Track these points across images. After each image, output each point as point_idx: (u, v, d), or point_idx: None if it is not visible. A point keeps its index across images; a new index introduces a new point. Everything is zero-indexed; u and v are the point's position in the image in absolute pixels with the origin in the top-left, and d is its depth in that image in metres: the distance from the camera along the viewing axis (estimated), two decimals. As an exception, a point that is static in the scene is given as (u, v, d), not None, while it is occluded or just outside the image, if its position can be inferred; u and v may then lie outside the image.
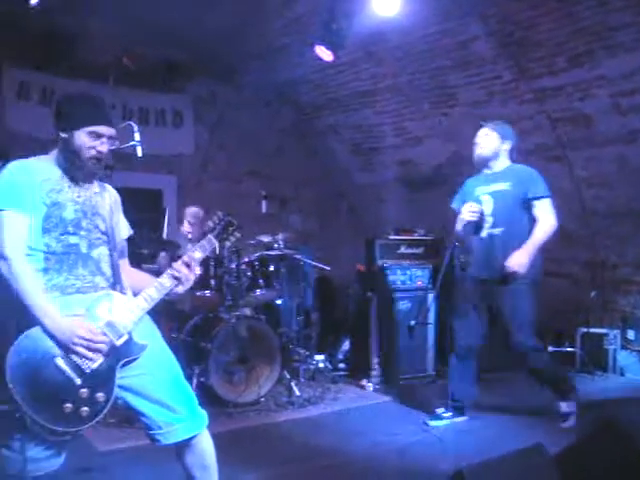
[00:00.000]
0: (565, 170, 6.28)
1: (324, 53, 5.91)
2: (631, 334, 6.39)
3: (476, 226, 4.55)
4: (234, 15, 6.11)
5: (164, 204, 7.56)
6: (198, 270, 2.75)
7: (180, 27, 6.19)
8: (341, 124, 8.11)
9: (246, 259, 5.54)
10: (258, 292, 5.57)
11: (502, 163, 4.58)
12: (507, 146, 4.57)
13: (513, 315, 4.42)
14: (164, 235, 5.94)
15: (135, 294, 2.68)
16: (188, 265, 2.68)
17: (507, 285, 4.38)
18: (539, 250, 4.41)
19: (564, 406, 4.55)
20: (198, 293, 5.32)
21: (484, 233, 4.53)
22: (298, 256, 5.82)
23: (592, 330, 6.38)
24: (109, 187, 2.83)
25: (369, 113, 7.59)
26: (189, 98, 7.64)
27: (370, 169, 8.39)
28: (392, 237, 6.45)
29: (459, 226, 4.62)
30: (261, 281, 5.55)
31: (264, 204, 5.74)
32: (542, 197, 4.43)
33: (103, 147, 2.60)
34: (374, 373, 5.89)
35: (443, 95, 6.65)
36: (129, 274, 2.86)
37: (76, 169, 2.62)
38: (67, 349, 2.39)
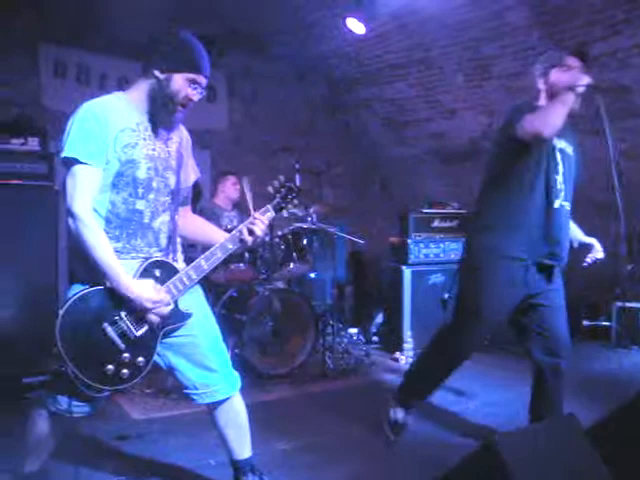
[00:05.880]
0: (602, 142, 6.16)
1: (356, 26, 5.88)
2: (668, 308, 6.29)
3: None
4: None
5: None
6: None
7: (214, 2, 6.19)
8: (374, 97, 8.04)
9: (279, 232, 5.53)
10: (292, 266, 5.56)
11: None
12: None
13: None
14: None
15: (192, 243, 2.73)
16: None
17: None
18: None
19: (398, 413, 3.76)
20: (232, 266, 5.34)
21: (556, 204, 3.46)
22: (331, 229, 5.83)
23: (628, 304, 6.31)
24: (182, 127, 2.76)
25: (402, 86, 7.52)
26: (223, 73, 7.63)
27: (403, 143, 8.33)
28: (426, 211, 6.46)
29: None
30: (294, 254, 5.55)
31: (297, 178, 5.73)
32: None
33: (195, 96, 2.55)
34: (407, 346, 5.91)
35: (477, 67, 6.56)
36: (189, 221, 2.88)
37: (166, 113, 2.55)
38: (121, 312, 2.46)
